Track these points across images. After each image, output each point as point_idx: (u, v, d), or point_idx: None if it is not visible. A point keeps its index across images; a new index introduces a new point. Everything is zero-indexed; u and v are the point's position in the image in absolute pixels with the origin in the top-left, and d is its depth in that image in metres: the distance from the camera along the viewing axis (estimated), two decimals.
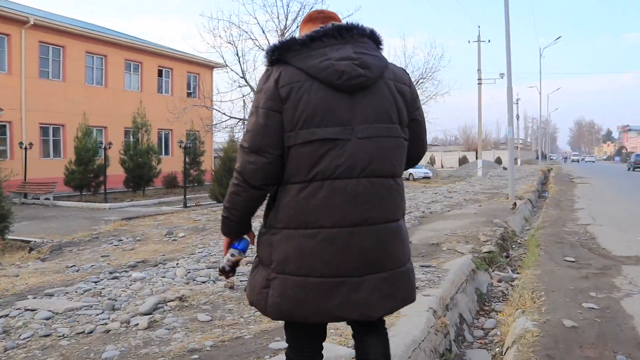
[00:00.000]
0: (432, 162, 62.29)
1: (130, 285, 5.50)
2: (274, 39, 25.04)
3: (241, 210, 2.03)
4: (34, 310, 4.71)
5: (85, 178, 21.48)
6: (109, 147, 21.11)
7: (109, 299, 4.98)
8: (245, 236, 2.16)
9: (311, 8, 26.59)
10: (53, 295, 5.32)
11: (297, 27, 25.95)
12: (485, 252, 7.23)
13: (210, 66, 33.97)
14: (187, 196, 18.73)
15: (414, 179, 36.81)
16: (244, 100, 40.90)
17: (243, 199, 2.00)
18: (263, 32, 22.87)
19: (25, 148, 22.88)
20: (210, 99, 22.50)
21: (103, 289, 5.43)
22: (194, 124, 24.07)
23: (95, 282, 5.86)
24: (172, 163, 28.71)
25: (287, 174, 1.95)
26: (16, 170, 23.17)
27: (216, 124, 22.66)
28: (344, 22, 2.07)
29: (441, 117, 62.34)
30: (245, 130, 2.00)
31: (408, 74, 2.16)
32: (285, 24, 23.27)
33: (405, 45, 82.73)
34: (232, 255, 2.12)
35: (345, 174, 1.91)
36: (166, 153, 31.36)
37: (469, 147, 71.93)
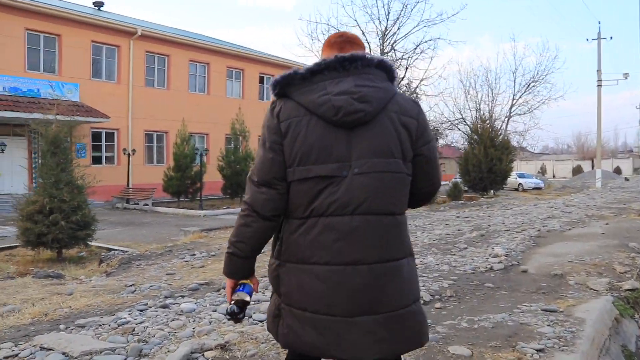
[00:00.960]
0: (542, 171, 58.19)
1: (173, 320, 4.45)
2: (374, 41, 24.01)
3: (250, 242, 1.95)
4: (48, 351, 3.78)
5: (183, 184, 21.32)
6: (206, 154, 20.82)
7: (139, 340, 3.94)
8: (248, 281, 2.03)
9: (413, 8, 25.23)
10: (83, 327, 4.39)
11: (399, 28, 24.73)
12: (627, 290, 5.52)
13: None
14: None
15: (524, 190, 34.05)
16: None
17: (253, 230, 1.93)
18: (363, 34, 21.85)
19: (129, 154, 23.20)
20: None
21: (141, 323, 4.43)
22: None
23: (140, 311, 4.89)
24: None
25: (289, 209, 1.93)
26: (121, 176, 23.59)
27: None
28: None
29: (554, 123, 58.51)
30: (255, 163, 1.97)
31: (418, 105, 2.03)
32: (386, 25, 22.08)
33: (515, 47, 78.36)
34: (241, 298, 1.97)
35: (338, 211, 1.85)
36: None
37: (584, 155, 66.73)
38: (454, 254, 7.56)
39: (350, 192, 1.84)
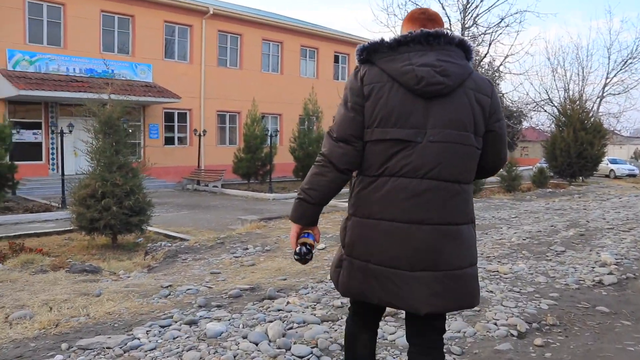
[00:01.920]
0: (636, 156, 53.70)
1: (190, 349, 3.47)
2: (455, 15, 22.33)
3: (322, 190, 2.05)
4: None
5: (253, 166, 20.61)
6: (276, 135, 19.99)
7: None
8: (311, 231, 2.14)
9: None
10: (85, 351, 3.51)
11: (481, 0, 22.85)
12: None
13: None
14: None
15: (616, 177, 31.13)
16: None
17: (327, 179, 2.03)
18: (442, 7, 20.22)
19: (200, 135, 22.77)
20: None
21: (152, 349, 3.48)
22: None
23: (162, 328, 3.96)
24: None
25: (363, 167, 2.03)
26: (193, 157, 23.25)
27: None
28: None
29: None
30: (335, 120, 2.06)
31: (492, 85, 2.11)
32: None
33: (610, 21, 71.91)
34: (307, 242, 2.09)
35: (410, 173, 1.96)
36: None
37: None
38: (550, 260, 6.19)
39: (423, 157, 1.94)
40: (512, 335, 3.74)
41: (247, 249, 7.27)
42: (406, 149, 1.94)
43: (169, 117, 23.91)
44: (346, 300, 4.55)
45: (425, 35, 1.98)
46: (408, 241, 1.95)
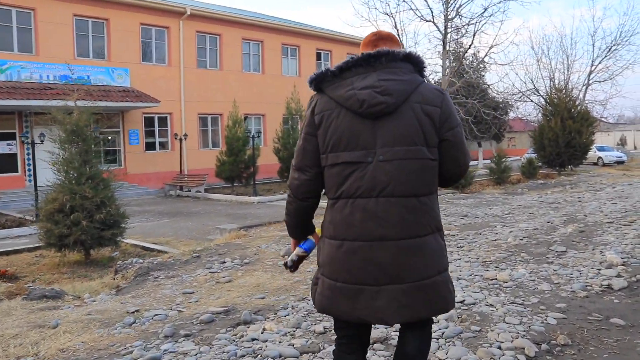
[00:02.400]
0: (622, 143, 53.73)
1: None
2: (438, 7, 21.84)
3: (294, 217, 2.26)
4: None
5: (236, 169, 19.96)
6: (258, 136, 19.42)
7: None
8: (311, 237, 2.32)
9: None
10: None
11: None
12: None
13: None
14: None
15: (604, 164, 30.86)
16: None
17: (293, 208, 2.24)
18: (425, 0, 19.78)
19: (181, 139, 22.14)
20: None
21: None
22: None
23: None
24: None
25: (326, 189, 2.16)
26: (176, 162, 22.62)
27: None
28: None
29: (637, 90, 53.02)
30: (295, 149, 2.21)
31: (443, 94, 2.11)
32: None
33: (594, 9, 71.06)
34: (297, 254, 2.29)
35: (365, 193, 2.03)
36: None
37: None
38: (552, 262, 5.69)
39: (376, 177, 2.02)
40: None
41: (224, 262, 6.71)
42: (358, 170, 2.03)
43: (149, 122, 23.23)
44: (329, 324, 4.03)
45: (366, 57, 2.05)
46: (371, 259, 2.02)
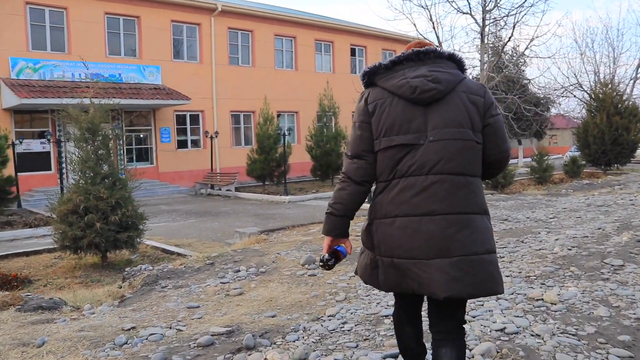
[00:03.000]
0: None
1: None
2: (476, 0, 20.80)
3: (345, 203, 2.27)
4: None
5: (267, 167, 19.43)
6: (289, 133, 18.87)
7: None
8: (344, 245, 2.36)
9: None
10: None
11: None
12: None
13: (406, 41, 30.35)
14: None
15: None
16: None
17: (347, 192, 2.27)
18: None
19: (212, 137, 21.76)
20: None
21: None
22: None
23: None
24: None
25: (377, 174, 2.25)
26: (208, 160, 22.26)
27: None
28: None
29: None
30: (348, 141, 2.32)
31: (485, 87, 2.27)
32: None
33: None
34: (329, 257, 2.31)
35: (416, 172, 2.13)
36: None
37: None
38: (608, 279, 4.90)
39: (426, 156, 2.12)
40: None
41: (238, 271, 6.13)
42: (411, 152, 2.14)
43: (180, 119, 22.96)
44: (342, 355, 3.39)
45: (417, 52, 2.23)
46: (420, 232, 2.10)
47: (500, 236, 7.26)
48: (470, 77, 21.85)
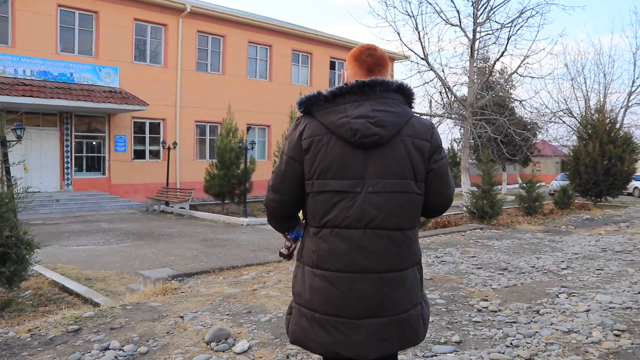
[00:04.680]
0: None
1: None
2: (465, 10, 18.97)
3: (274, 226, 2.23)
4: None
5: (227, 184, 17.04)
6: (252, 147, 16.64)
7: None
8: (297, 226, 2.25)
9: None
10: None
11: None
12: None
13: (390, 57, 28.52)
14: None
15: None
16: (425, 89, 34.56)
17: (272, 222, 2.21)
18: (452, 0, 16.91)
19: (169, 148, 19.44)
20: None
21: None
22: None
23: None
24: None
25: (308, 217, 2.07)
26: (164, 173, 19.92)
27: None
28: None
29: None
30: (273, 169, 2.13)
31: (432, 127, 2.09)
32: None
33: (637, 24, 64.55)
34: (289, 242, 2.29)
35: (352, 224, 1.95)
36: None
37: None
38: None
39: (364, 208, 1.94)
40: None
41: (107, 349, 3.86)
42: (345, 200, 1.96)
43: (139, 127, 20.60)
44: None
45: (361, 85, 1.98)
46: (353, 290, 1.96)
47: (504, 298, 5.10)
48: (458, 93, 19.97)
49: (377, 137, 1.92)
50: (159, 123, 21.06)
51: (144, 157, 20.74)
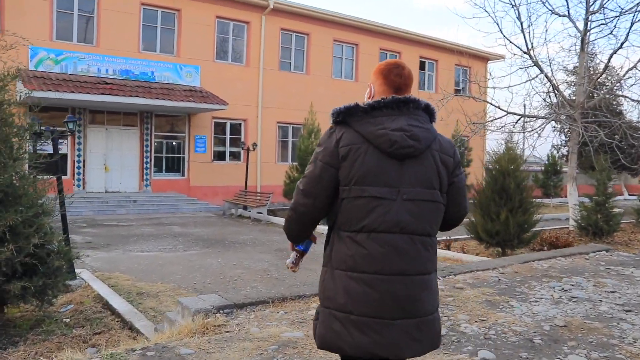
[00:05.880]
0: None
1: None
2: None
3: (295, 232, 2.23)
4: None
5: None
6: None
7: None
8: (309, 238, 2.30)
9: None
10: None
11: None
12: None
13: (484, 57, 26.35)
14: None
15: None
16: (530, 85, 31.72)
17: (295, 227, 2.20)
18: None
19: (248, 149, 18.46)
20: (483, 91, 15.09)
21: None
22: (459, 124, 16.88)
23: None
24: None
25: (340, 222, 2.08)
26: (250, 175, 18.97)
27: (488, 122, 15.32)
28: None
29: None
30: (305, 174, 2.13)
31: (454, 145, 2.23)
32: None
33: None
34: (296, 254, 2.32)
35: (389, 229, 2.02)
36: None
37: None
38: None
39: (400, 214, 2.02)
40: None
41: None
42: (382, 206, 2.01)
43: (219, 128, 19.86)
44: None
45: (397, 101, 2.07)
46: (390, 292, 2.00)
47: None
48: (566, 94, 17.70)
49: (412, 149, 2.02)
50: (240, 124, 20.22)
51: (224, 159, 19.95)
